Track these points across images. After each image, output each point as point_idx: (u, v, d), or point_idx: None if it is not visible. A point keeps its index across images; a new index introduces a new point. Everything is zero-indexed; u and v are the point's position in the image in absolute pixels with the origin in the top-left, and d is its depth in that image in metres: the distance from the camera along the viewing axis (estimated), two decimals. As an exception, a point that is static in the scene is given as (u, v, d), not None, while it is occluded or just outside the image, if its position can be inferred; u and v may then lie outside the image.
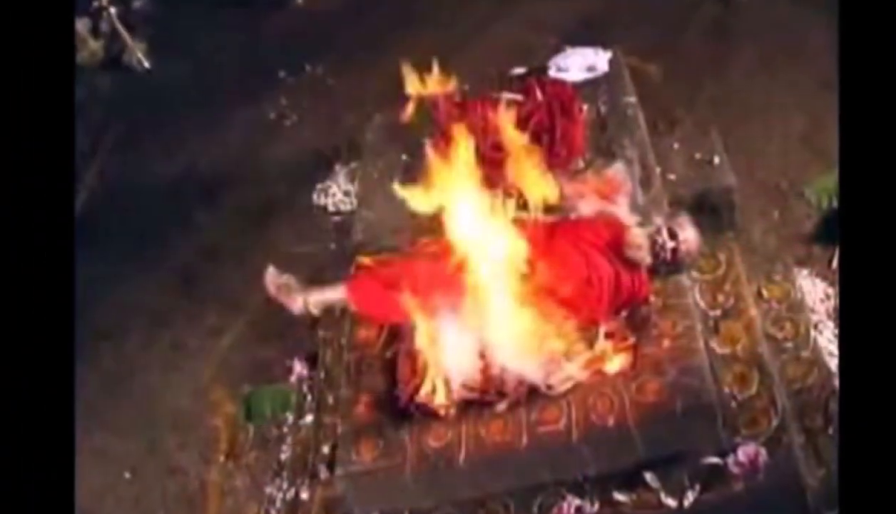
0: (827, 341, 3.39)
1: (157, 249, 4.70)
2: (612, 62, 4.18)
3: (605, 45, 4.30)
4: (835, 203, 3.88)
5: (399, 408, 3.12)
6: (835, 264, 3.67)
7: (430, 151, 3.18)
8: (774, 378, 3.15)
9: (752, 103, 4.53)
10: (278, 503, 3.41)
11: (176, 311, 4.38)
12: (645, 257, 3.19)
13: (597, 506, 2.96)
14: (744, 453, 2.93)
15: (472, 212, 3.03)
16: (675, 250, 3.21)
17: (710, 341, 3.24)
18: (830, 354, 3.33)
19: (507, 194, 3.27)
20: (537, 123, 3.74)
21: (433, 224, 3.23)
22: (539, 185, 3.27)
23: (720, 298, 3.42)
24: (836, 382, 3.19)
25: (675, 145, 3.99)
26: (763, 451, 2.93)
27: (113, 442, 3.89)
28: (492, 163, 3.37)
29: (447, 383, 3.07)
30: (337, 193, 4.53)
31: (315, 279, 3.66)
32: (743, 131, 4.34)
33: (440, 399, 3.06)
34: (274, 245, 4.40)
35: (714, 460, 2.95)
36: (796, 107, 4.41)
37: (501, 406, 3.04)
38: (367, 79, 5.26)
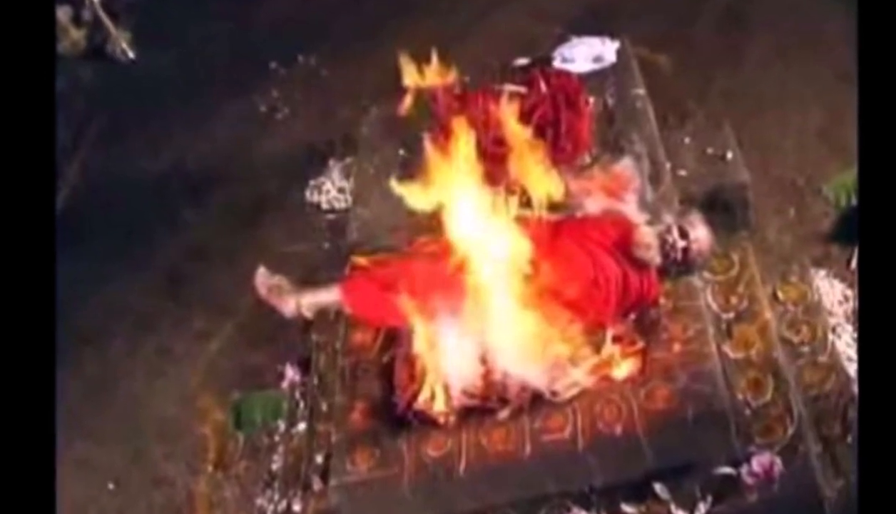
0: (845, 345, 3.40)
1: (142, 249, 4.70)
2: (619, 52, 4.19)
3: (612, 35, 4.30)
4: (854, 201, 3.88)
5: (396, 415, 3.13)
6: (854, 264, 3.67)
7: (428, 145, 3.18)
8: (790, 384, 3.15)
9: (766, 96, 4.53)
10: (269, 516, 3.42)
11: (162, 314, 4.38)
12: (654, 258, 3.19)
13: (603, 518, 2.98)
14: (758, 462, 2.93)
15: (473, 210, 3.03)
16: (686, 250, 3.22)
17: (722, 346, 3.24)
18: (849, 358, 3.33)
19: (510, 191, 3.27)
20: (541, 116, 3.74)
21: (432, 223, 3.23)
22: (543, 181, 3.27)
23: (733, 300, 3.42)
24: (855, 388, 3.19)
25: (686, 140, 3.99)
26: (778, 460, 2.94)
27: (96, 452, 3.89)
28: (493, 158, 3.37)
29: (447, 389, 3.07)
30: (331, 190, 4.54)
31: (308, 280, 3.67)
32: (757, 125, 4.35)
33: (439, 406, 3.06)
34: (265, 245, 4.40)
35: (727, 470, 2.95)
36: (813, 99, 4.41)
37: (503, 414, 3.04)
38: (363, 70, 5.26)
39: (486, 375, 3.06)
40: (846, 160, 3.97)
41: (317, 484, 3.32)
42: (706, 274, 3.46)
